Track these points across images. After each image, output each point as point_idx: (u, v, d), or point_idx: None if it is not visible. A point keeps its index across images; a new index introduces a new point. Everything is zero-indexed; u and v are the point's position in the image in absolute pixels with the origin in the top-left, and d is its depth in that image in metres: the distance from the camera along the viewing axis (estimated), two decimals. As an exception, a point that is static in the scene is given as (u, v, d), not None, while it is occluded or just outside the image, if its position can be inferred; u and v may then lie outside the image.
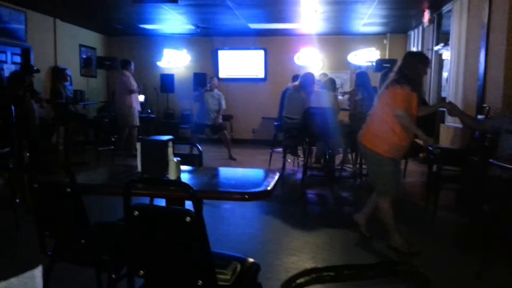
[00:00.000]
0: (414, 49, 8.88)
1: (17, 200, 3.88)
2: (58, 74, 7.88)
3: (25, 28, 7.65)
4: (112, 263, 2.00)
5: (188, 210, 1.59)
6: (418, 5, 6.93)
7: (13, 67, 7.32)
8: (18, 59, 7.61)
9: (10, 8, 7.25)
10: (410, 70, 3.27)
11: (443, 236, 3.87)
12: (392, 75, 3.36)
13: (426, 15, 7.15)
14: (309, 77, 6.51)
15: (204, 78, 9.99)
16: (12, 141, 3.94)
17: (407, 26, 8.88)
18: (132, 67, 7.96)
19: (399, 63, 3.41)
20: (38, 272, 0.78)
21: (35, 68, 6.68)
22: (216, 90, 7.80)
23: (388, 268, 0.72)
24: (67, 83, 8.02)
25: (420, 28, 8.26)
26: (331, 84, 6.27)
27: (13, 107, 3.94)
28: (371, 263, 0.74)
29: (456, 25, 6.13)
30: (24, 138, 4.55)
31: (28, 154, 5.04)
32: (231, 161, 7.62)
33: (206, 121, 7.68)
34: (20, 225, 3.72)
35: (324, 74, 7.93)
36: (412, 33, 9.14)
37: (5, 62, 7.30)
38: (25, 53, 7.77)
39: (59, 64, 8.45)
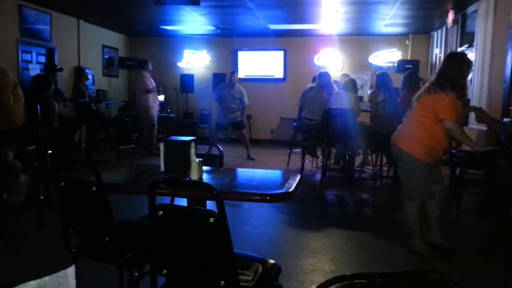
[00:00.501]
0: (437, 50, 8.73)
1: (41, 197, 3.96)
2: (79, 73, 8.05)
3: (50, 29, 7.83)
4: (135, 261, 2.02)
5: (212, 211, 1.60)
6: (442, 5, 6.80)
7: (38, 67, 7.49)
8: (43, 59, 7.79)
9: (36, 10, 7.43)
10: (454, 72, 3.13)
11: (465, 240, 3.79)
12: (432, 78, 3.25)
13: (450, 16, 7.02)
14: (327, 76, 6.50)
15: (223, 79, 10.04)
16: (37, 139, 4.03)
17: (430, 26, 8.73)
18: (150, 66, 8.07)
19: (440, 64, 3.30)
20: (71, 271, 0.79)
21: (58, 67, 6.81)
22: (236, 86, 7.72)
23: (421, 276, 0.71)
24: (88, 82, 8.17)
25: (444, 28, 8.11)
26: (352, 85, 6.21)
27: (38, 107, 4.03)
28: (404, 270, 0.72)
29: (482, 26, 6.00)
30: (47, 137, 4.66)
31: (49, 152, 5.15)
32: (250, 161, 7.63)
33: (227, 121, 7.70)
34: (43, 222, 3.81)
35: (345, 75, 7.89)
36: (435, 34, 8.98)
37: (30, 62, 7.48)
38: (50, 53, 7.95)
39: (82, 64, 8.62)
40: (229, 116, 7.65)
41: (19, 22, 7.08)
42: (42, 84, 5.61)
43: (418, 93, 3.36)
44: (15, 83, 3.66)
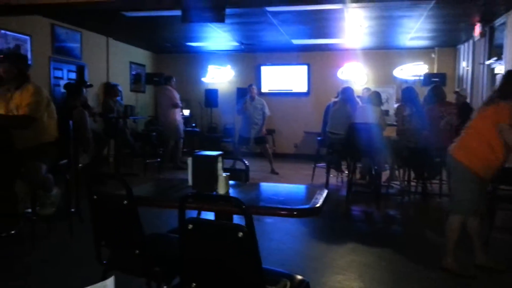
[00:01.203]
0: (464, 63, 8.59)
1: (72, 210, 4.06)
2: (109, 89, 8.28)
3: (80, 46, 8.11)
4: (163, 274, 2.04)
5: (241, 225, 1.61)
6: (468, 18, 6.71)
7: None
8: (73, 75, 8.06)
9: (67, 29, 7.73)
10: None
11: (499, 259, 3.64)
12: (491, 93, 3.33)
13: (477, 29, 6.90)
14: (349, 90, 6.51)
15: (247, 94, 10.12)
16: (68, 153, 4.15)
17: (456, 39, 8.61)
18: (174, 82, 8.24)
19: (500, 82, 3.35)
20: (110, 282, 0.82)
21: (88, 83, 7.02)
22: (257, 98, 7.77)
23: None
24: (118, 98, 8.39)
25: (471, 41, 7.98)
26: (376, 98, 6.13)
27: (71, 122, 4.16)
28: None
29: (510, 38, 5.88)
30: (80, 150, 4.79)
31: (80, 165, 5.28)
32: (274, 175, 7.61)
33: (250, 135, 7.73)
34: (74, 234, 3.90)
35: (367, 89, 7.86)
36: (462, 47, 8.85)
37: (62, 78, 7.74)
38: (80, 70, 8.22)
39: (111, 80, 8.87)
40: (255, 128, 7.67)
41: (51, 40, 7.37)
42: (73, 92, 5.65)
43: (477, 107, 3.41)
44: (49, 99, 3.79)
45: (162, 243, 2.32)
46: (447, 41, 8.73)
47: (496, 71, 7.23)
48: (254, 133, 7.70)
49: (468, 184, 3.17)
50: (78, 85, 5.85)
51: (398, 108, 5.99)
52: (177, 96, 8.12)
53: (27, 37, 6.75)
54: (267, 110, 7.81)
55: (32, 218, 3.58)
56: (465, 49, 8.59)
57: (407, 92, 5.85)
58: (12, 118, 3.56)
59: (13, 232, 3.19)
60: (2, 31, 6.30)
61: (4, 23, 6.23)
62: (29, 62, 6.42)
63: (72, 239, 3.87)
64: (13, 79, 3.64)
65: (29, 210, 3.62)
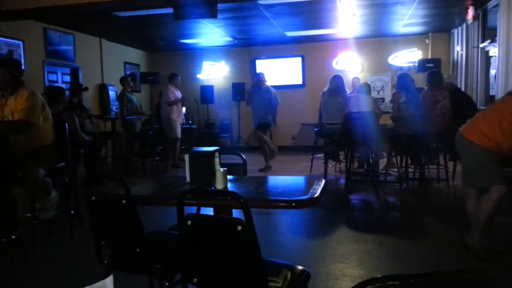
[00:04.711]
0: (458, 47, 8.58)
1: (72, 212, 4.07)
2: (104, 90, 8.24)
3: (73, 49, 8.08)
4: (165, 271, 2.06)
5: (239, 219, 1.62)
6: (461, 2, 6.70)
7: (63, 86, 7.72)
8: (68, 78, 8.04)
9: (59, 32, 7.70)
10: None
11: (501, 242, 3.66)
12: None
13: (470, 12, 6.89)
14: (338, 78, 6.47)
15: (242, 88, 10.11)
16: (65, 156, 4.15)
17: (449, 24, 8.60)
18: (178, 80, 8.19)
19: None
20: (109, 281, 0.82)
21: (83, 86, 6.98)
22: (265, 86, 7.40)
23: (455, 277, 0.71)
24: (112, 99, 8.36)
25: (464, 25, 7.97)
26: (367, 88, 6.21)
27: (66, 125, 4.16)
28: (436, 271, 0.72)
29: (504, 20, 5.86)
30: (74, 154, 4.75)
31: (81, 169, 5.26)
32: (271, 169, 7.51)
33: (253, 124, 7.53)
34: (74, 235, 3.91)
35: (357, 78, 7.80)
36: (455, 31, 8.83)
37: (56, 81, 7.72)
38: (74, 73, 8.19)
39: (106, 81, 8.84)
40: (258, 115, 7.50)
41: (44, 44, 7.34)
42: (53, 96, 5.21)
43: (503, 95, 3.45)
44: (44, 103, 3.78)
45: (162, 240, 2.33)
46: (440, 26, 8.71)
47: (490, 54, 7.23)
48: (259, 119, 7.39)
49: (482, 157, 3.15)
50: (58, 89, 5.59)
51: (394, 95, 6.00)
52: (173, 94, 8.00)
53: (20, 42, 6.73)
54: (275, 99, 7.48)
55: (32, 222, 3.59)
56: (458, 33, 8.58)
57: (401, 79, 5.86)
58: (8, 124, 3.56)
59: (13, 237, 3.19)
60: (-6, 37, 6.27)
61: (-5, 29, 6.20)
62: (23, 67, 6.41)
63: (73, 241, 3.89)
64: (7, 85, 3.63)
65: (29, 214, 3.63)
